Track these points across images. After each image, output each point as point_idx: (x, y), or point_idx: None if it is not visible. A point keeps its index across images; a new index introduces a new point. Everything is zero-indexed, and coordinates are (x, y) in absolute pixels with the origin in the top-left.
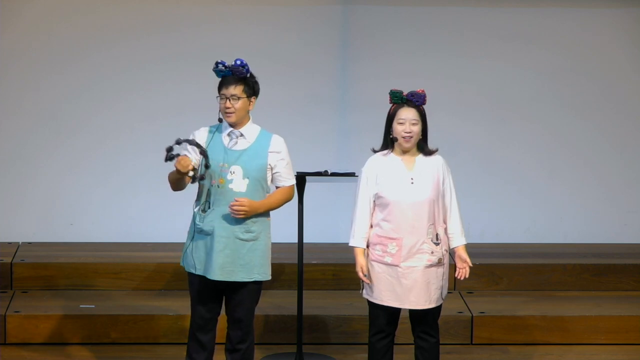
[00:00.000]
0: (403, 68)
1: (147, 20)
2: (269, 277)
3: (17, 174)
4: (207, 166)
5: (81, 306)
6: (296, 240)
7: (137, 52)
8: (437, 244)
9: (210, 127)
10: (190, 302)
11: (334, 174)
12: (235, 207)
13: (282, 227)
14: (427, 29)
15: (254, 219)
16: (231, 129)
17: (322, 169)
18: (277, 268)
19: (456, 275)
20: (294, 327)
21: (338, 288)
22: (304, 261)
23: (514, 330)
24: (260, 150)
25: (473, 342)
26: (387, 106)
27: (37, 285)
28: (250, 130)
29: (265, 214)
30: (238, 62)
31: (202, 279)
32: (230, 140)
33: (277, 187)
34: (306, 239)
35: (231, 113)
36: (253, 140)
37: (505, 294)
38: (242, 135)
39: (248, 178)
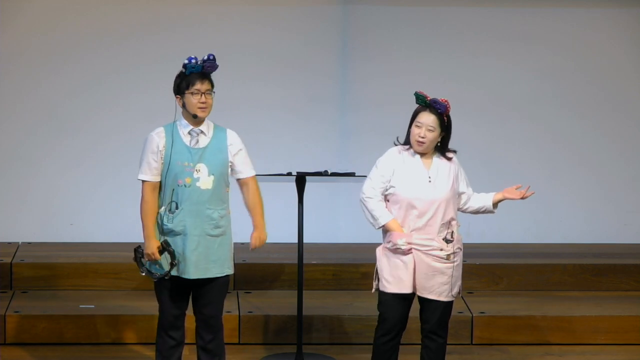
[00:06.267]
0: (403, 68)
1: (147, 20)
2: (233, 271)
3: (17, 174)
4: (172, 264)
5: (81, 306)
6: (296, 240)
7: (137, 52)
8: (449, 242)
9: (164, 127)
10: (158, 302)
11: (334, 174)
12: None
13: (282, 227)
14: (427, 29)
15: (221, 214)
16: (191, 127)
17: (322, 169)
18: (277, 268)
19: (522, 192)
20: (294, 327)
21: (338, 288)
22: (304, 261)
23: (514, 330)
24: (220, 145)
25: (473, 342)
26: (388, 105)
27: (37, 285)
28: (207, 126)
29: (227, 208)
30: (211, 57)
31: (172, 279)
32: (192, 138)
33: (238, 180)
34: (306, 239)
35: (205, 108)
36: (211, 136)
37: (505, 294)
38: (202, 132)
39: (213, 175)
